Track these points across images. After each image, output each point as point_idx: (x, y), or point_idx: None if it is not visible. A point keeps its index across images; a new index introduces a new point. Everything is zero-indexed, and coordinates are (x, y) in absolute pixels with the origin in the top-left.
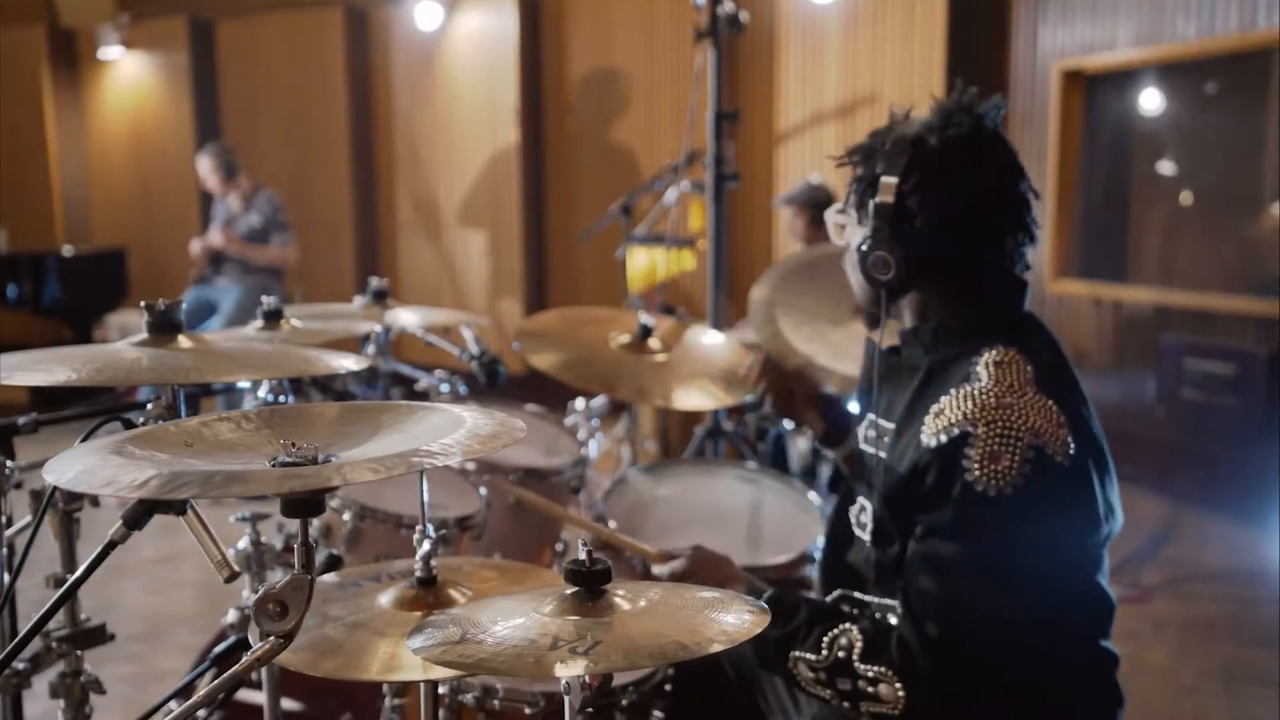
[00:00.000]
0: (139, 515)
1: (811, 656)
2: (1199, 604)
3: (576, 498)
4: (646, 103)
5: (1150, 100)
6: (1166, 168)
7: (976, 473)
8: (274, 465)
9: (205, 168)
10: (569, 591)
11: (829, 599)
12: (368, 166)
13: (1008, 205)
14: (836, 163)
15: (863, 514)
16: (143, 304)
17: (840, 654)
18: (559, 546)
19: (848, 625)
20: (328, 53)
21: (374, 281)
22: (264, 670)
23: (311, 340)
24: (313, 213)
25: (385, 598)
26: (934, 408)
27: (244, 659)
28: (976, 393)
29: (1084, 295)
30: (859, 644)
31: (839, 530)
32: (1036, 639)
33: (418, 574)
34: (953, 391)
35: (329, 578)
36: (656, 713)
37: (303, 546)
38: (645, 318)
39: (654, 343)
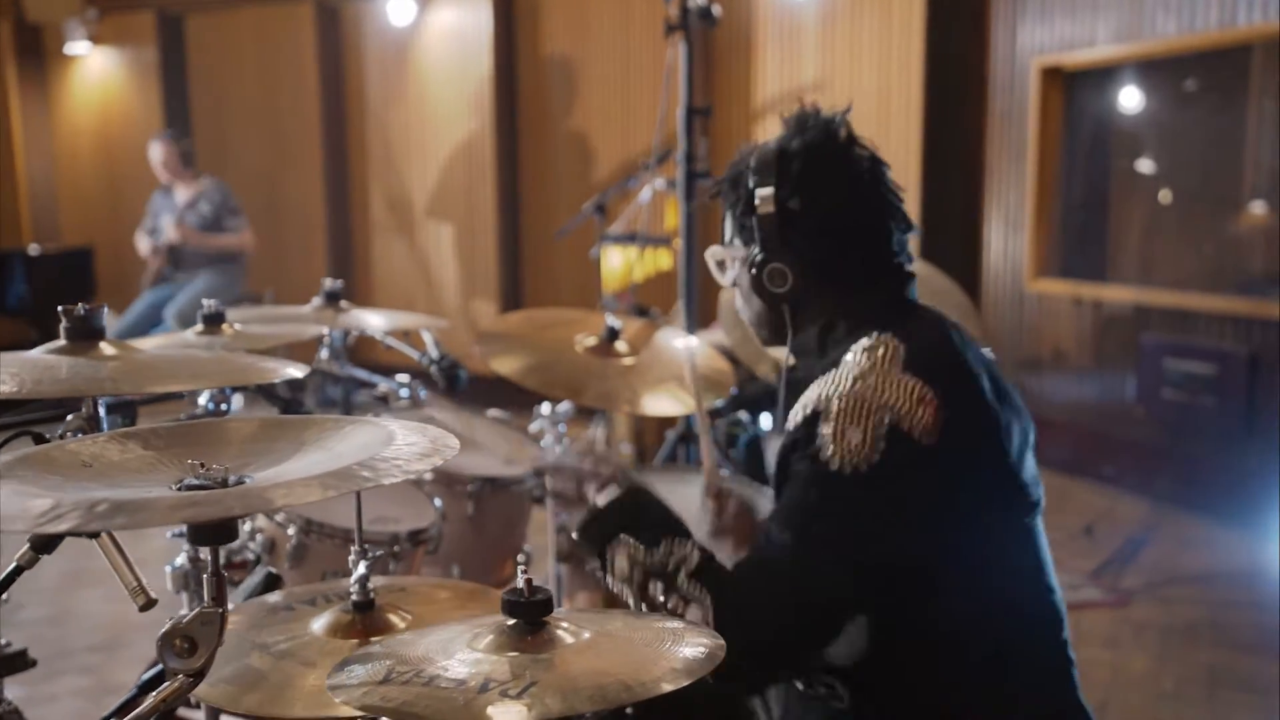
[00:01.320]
0: (47, 539)
1: (641, 549)
2: (1180, 608)
3: (543, 506)
4: (622, 99)
5: (1130, 97)
6: (1146, 165)
7: (830, 449)
8: (178, 489)
9: (159, 155)
10: (508, 623)
11: None
12: (340, 164)
13: (880, 196)
14: (708, 197)
15: None
16: (60, 309)
17: (671, 566)
18: (521, 558)
19: (692, 546)
20: (299, 48)
21: (327, 283)
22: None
23: (255, 345)
24: (284, 211)
25: (318, 623)
26: (803, 396)
27: (149, 700)
28: (837, 375)
29: (1064, 294)
30: (695, 563)
31: None
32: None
33: (353, 598)
34: (820, 379)
35: (260, 600)
36: None
37: (213, 577)
38: (612, 320)
39: (621, 346)
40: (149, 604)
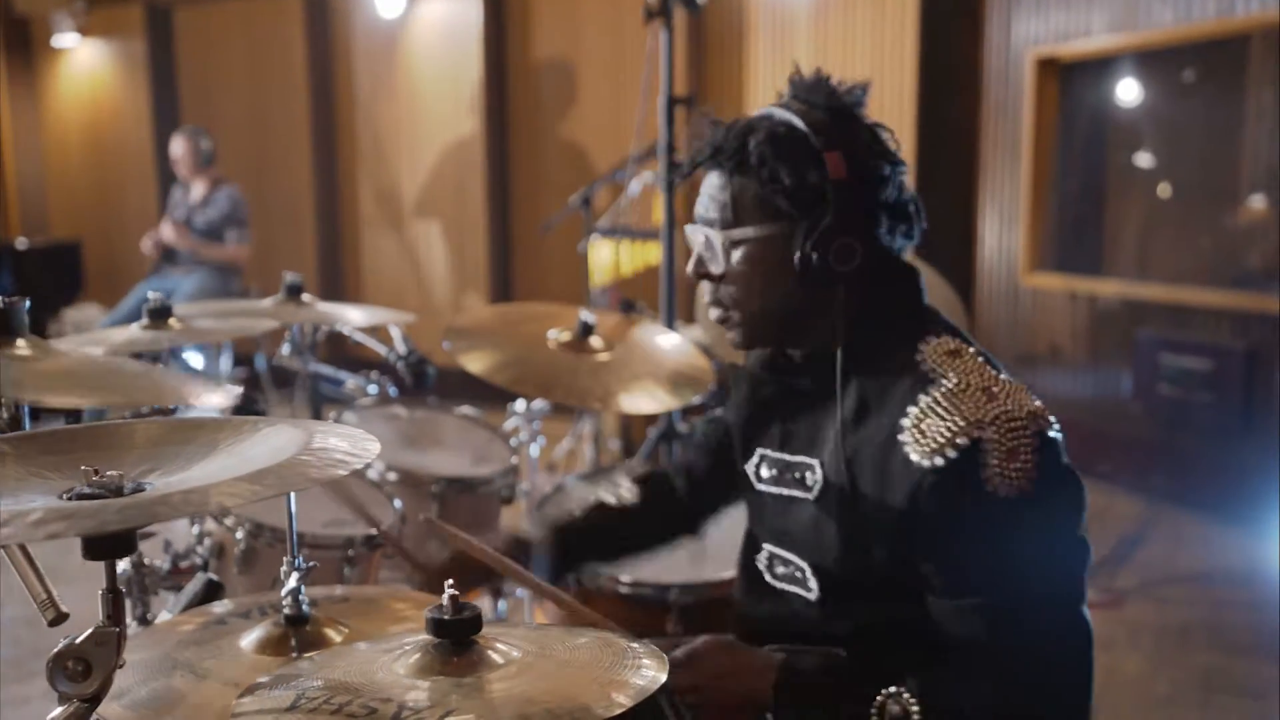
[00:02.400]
0: None
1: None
2: (1175, 608)
3: (513, 506)
4: (613, 91)
5: (1126, 89)
6: (1143, 158)
7: (999, 478)
8: (68, 498)
9: (179, 149)
10: (434, 643)
11: None
12: (329, 158)
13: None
14: (688, 168)
15: (775, 564)
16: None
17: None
18: None
19: (895, 689)
20: (288, 40)
21: (288, 276)
22: None
23: (201, 340)
24: (273, 205)
25: (247, 640)
26: (904, 423)
27: None
28: (958, 391)
29: (1059, 289)
30: (915, 713)
31: (750, 581)
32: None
33: (285, 611)
34: (924, 400)
35: (193, 613)
36: None
37: (109, 594)
38: (586, 315)
39: (596, 341)
40: (59, 619)
